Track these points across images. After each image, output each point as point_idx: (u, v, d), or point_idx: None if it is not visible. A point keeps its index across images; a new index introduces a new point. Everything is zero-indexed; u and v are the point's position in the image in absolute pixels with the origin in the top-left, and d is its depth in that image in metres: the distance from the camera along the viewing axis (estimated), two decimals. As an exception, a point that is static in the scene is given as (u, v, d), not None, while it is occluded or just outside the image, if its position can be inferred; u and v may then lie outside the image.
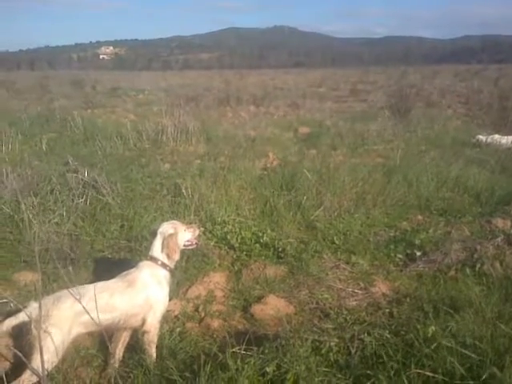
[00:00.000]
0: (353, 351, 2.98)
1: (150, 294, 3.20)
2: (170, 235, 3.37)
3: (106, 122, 14.69)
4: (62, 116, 13.47)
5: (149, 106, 19.80)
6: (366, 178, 6.96)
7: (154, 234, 3.44)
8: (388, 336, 3.13)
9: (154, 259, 3.34)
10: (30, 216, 5.25)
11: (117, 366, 3.26)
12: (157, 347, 3.28)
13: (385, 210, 6.32)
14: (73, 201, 5.51)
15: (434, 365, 2.71)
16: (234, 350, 2.91)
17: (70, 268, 4.67)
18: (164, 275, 3.32)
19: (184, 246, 3.52)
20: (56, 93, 27.68)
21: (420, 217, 6.17)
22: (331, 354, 3.02)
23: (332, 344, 3.09)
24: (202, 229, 5.36)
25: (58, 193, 5.54)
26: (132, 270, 3.29)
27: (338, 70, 63.79)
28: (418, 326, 3.16)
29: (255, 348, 2.96)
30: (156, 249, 3.37)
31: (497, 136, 10.51)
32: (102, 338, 3.40)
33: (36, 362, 2.70)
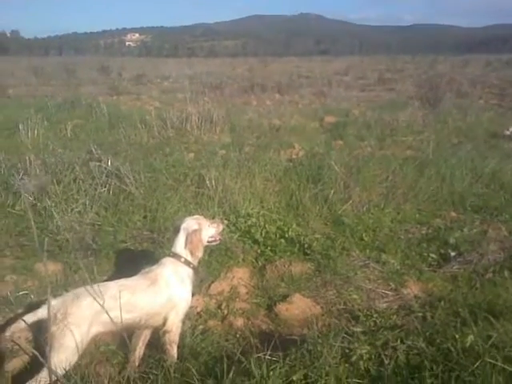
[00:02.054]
0: (386, 361, 2.78)
1: (173, 292, 3.05)
2: (194, 231, 3.22)
3: (131, 108, 14.67)
4: (87, 102, 13.49)
5: (173, 94, 19.71)
6: (396, 171, 6.67)
7: (177, 230, 3.29)
8: (423, 345, 2.93)
9: (176, 256, 3.19)
10: (53, 205, 5.20)
11: (137, 364, 3.16)
12: (178, 347, 3.16)
13: (416, 206, 6.04)
14: (96, 190, 5.43)
15: (477, 382, 2.49)
16: (258, 355, 2.75)
17: (92, 259, 4.68)
18: (187, 273, 3.17)
19: (208, 242, 3.37)
20: (82, 79, 27.96)
21: (454, 214, 5.88)
22: (362, 363, 2.83)
23: (363, 351, 2.90)
24: (226, 222, 5.22)
25: (80, 182, 5.46)
26: (154, 266, 3.16)
27: (365, 58, 62.57)
28: (456, 335, 2.95)
29: (281, 353, 2.81)
30: (179, 245, 3.22)
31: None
32: (128, 333, 3.32)
33: (54, 361, 2.60)
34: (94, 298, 2.55)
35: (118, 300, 2.85)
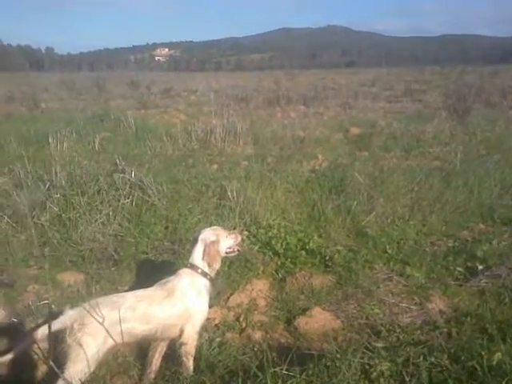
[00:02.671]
0: (407, 378, 2.67)
1: (189, 304, 3.03)
2: (212, 242, 3.20)
3: (158, 122, 14.90)
4: (115, 116, 13.78)
5: (199, 107, 19.94)
6: (422, 182, 6.52)
7: (195, 241, 3.27)
8: (447, 362, 2.81)
9: (194, 267, 3.17)
10: (77, 216, 5.29)
11: (153, 376, 3.14)
12: (194, 359, 3.12)
13: (443, 218, 5.86)
14: (119, 201, 5.49)
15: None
16: (275, 369, 2.69)
17: (114, 269, 4.72)
18: (204, 284, 3.15)
19: (226, 253, 3.34)
20: (112, 93, 28.65)
21: (482, 226, 5.69)
22: (382, 380, 2.74)
23: (383, 368, 2.80)
24: (246, 233, 5.20)
25: (104, 193, 5.53)
26: (171, 277, 3.14)
27: (392, 70, 62.03)
28: (482, 352, 2.82)
29: (298, 368, 2.74)
30: (197, 256, 3.20)
31: None
32: (140, 345, 3.32)
33: (69, 372, 2.61)
34: (97, 313, 2.56)
35: (135, 311, 2.86)
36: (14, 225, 5.24)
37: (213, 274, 3.23)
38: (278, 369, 2.71)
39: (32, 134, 11.28)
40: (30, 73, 76.26)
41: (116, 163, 6.10)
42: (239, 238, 3.40)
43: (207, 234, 3.25)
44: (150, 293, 3.01)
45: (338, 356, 2.85)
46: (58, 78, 44.02)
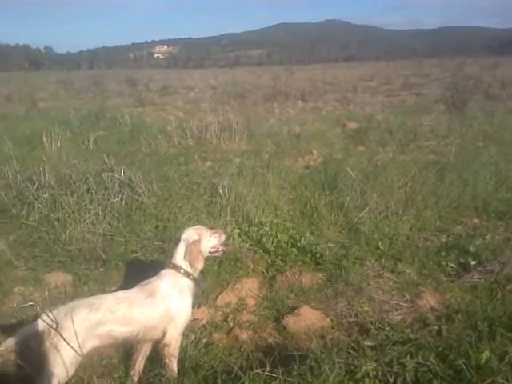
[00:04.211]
0: (390, 379, 2.61)
1: (171, 305, 2.97)
2: (194, 242, 3.13)
3: (154, 119, 14.82)
4: (111, 114, 13.71)
5: (197, 104, 19.85)
6: (416, 176, 6.43)
7: (177, 241, 3.22)
8: (434, 362, 2.75)
9: (176, 267, 3.11)
10: (66, 215, 5.23)
11: (136, 378, 3.08)
12: (179, 360, 3.07)
13: (437, 212, 5.78)
14: (108, 200, 5.43)
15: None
16: (257, 371, 2.64)
17: (102, 269, 4.66)
18: (187, 284, 3.09)
19: (209, 252, 3.28)
20: (111, 91, 28.56)
21: (476, 220, 5.62)
22: (367, 381, 2.67)
23: (369, 368, 2.74)
24: (238, 231, 5.14)
25: (93, 192, 5.47)
26: (153, 278, 3.09)
27: (391, 63, 61.72)
28: (470, 351, 2.76)
29: (281, 369, 2.68)
30: (179, 256, 3.14)
31: None
32: (124, 347, 3.26)
33: (47, 376, 2.56)
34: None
35: (114, 313, 2.80)
36: (3, 225, 5.18)
37: (196, 274, 3.16)
38: (259, 370, 2.65)
39: (27, 134, 11.21)
40: (28, 72, 76.10)
41: (105, 162, 6.03)
42: (223, 238, 3.34)
43: (189, 234, 3.19)
44: (131, 294, 2.96)
45: (323, 356, 2.79)
46: (57, 76, 43.94)
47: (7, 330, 3.48)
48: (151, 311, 2.91)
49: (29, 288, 4.18)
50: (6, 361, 2.76)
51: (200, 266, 3.15)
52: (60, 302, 3.59)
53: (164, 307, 2.94)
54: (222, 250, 3.36)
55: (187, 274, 3.10)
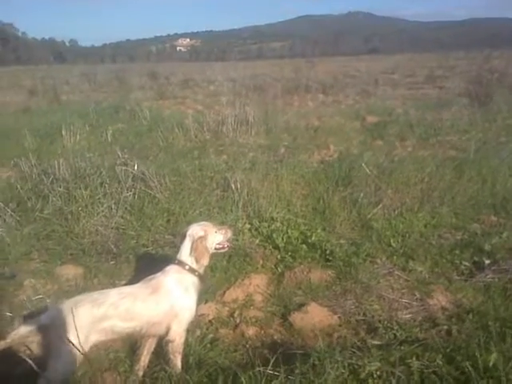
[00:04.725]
0: (393, 381, 2.56)
1: (175, 301, 2.97)
2: (200, 238, 3.12)
3: (173, 113, 14.87)
4: (131, 107, 13.81)
5: (217, 97, 19.83)
6: (433, 172, 6.29)
7: (183, 237, 3.21)
8: (440, 363, 2.69)
9: (181, 263, 3.11)
10: (79, 209, 5.30)
11: (141, 374, 3.09)
12: (183, 356, 3.07)
13: (453, 209, 5.66)
14: (121, 194, 5.47)
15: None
16: (259, 369, 2.61)
17: (112, 263, 4.71)
18: (192, 281, 3.08)
19: (215, 249, 3.27)
20: (133, 85, 28.76)
21: (494, 218, 5.46)
22: (371, 381, 2.63)
23: (373, 368, 2.69)
24: (248, 226, 5.12)
25: (107, 185, 5.53)
26: (158, 274, 3.09)
27: (415, 56, 60.51)
28: (477, 353, 2.68)
29: (284, 367, 2.65)
30: (184, 252, 3.14)
31: None
32: (131, 341, 3.29)
33: (51, 369, 2.59)
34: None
35: (118, 308, 2.81)
36: (18, 218, 5.27)
37: (201, 271, 3.16)
38: (261, 368, 2.63)
39: (48, 127, 11.38)
40: (53, 66, 77.38)
41: (119, 156, 6.08)
42: (229, 234, 3.32)
43: (195, 230, 3.18)
44: (135, 290, 2.97)
45: (326, 355, 2.76)
46: (80, 70, 44.49)
47: (19, 322, 3.59)
48: (155, 307, 2.92)
49: (40, 281, 4.24)
50: (7, 358, 2.78)
51: (205, 262, 3.14)
52: (70, 295, 3.65)
53: (168, 303, 2.95)
54: (228, 246, 3.34)
55: (192, 271, 3.10)
